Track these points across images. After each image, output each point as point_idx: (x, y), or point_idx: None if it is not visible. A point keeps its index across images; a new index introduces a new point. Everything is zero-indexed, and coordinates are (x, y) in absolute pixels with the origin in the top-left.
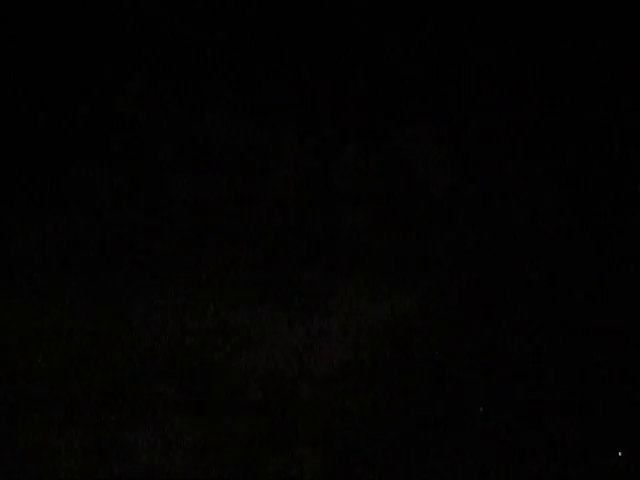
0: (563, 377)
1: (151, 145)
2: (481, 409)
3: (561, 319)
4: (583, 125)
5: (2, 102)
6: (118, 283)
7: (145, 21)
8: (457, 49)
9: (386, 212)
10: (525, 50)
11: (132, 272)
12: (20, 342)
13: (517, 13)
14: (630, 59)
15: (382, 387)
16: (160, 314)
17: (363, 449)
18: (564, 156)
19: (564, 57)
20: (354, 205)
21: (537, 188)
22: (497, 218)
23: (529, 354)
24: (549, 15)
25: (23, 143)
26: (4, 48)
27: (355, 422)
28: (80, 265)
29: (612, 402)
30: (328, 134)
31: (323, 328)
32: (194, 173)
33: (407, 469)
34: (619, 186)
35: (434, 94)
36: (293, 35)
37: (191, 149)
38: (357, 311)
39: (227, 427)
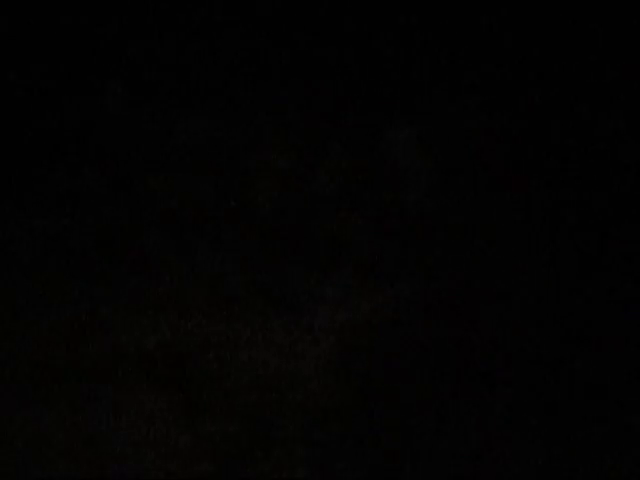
0: (544, 373)
1: (134, 146)
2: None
3: (541, 316)
4: (565, 128)
5: None
6: (102, 284)
7: (126, 22)
8: (441, 52)
9: (370, 211)
10: (508, 53)
11: (117, 273)
12: None
13: (501, 17)
14: (609, 59)
15: (368, 384)
16: (146, 315)
17: (350, 447)
18: (546, 159)
19: (546, 60)
20: (338, 204)
21: (520, 190)
22: (479, 218)
23: (512, 350)
24: (533, 18)
25: (3, 145)
26: None
27: (341, 420)
28: (64, 266)
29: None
30: (313, 135)
31: (309, 326)
32: (178, 174)
33: (394, 467)
34: (601, 189)
35: (418, 96)
36: (278, 36)
37: (175, 150)
38: (342, 308)
39: (213, 427)
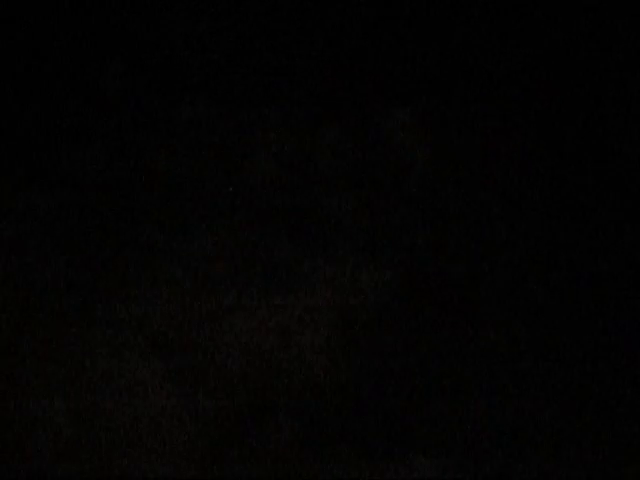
0: (535, 356)
1: (133, 129)
2: None
3: (535, 302)
4: (562, 112)
5: None
6: (101, 264)
7: (126, 7)
8: (439, 33)
9: (367, 193)
10: (506, 36)
11: (115, 254)
12: None
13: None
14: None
15: (362, 363)
16: (142, 294)
17: (342, 424)
18: (544, 143)
19: (543, 46)
20: (336, 186)
21: (517, 172)
22: (476, 201)
23: (507, 333)
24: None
25: (4, 125)
26: None
27: (335, 398)
28: (62, 246)
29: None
30: (310, 116)
31: (304, 307)
32: (177, 157)
33: (384, 445)
34: (598, 170)
35: (416, 77)
36: (274, 18)
37: (174, 133)
38: (338, 290)
39: (206, 403)
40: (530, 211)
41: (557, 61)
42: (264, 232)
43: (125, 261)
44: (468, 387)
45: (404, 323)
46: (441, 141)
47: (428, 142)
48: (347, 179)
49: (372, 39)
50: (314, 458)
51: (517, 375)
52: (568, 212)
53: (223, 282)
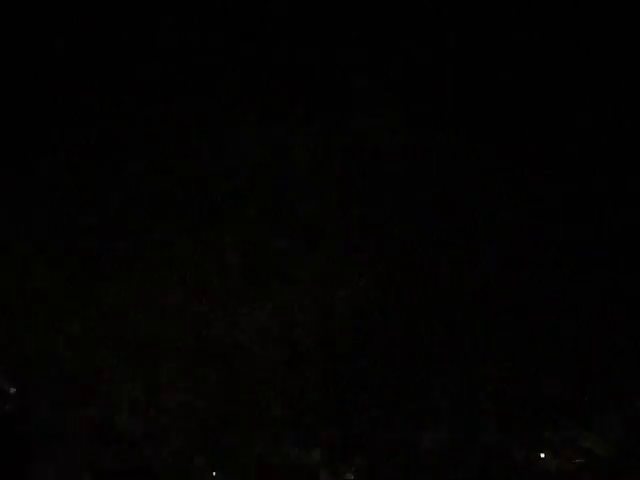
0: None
1: (110, 130)
2: None
3: (509, 306)
4: (536, 103)
5: None
6: (89, 264)
7: (103, 10)
8: (411, 35)
9: (344, 197)
10: (480, 31)
11: (105, 259)
12: None
13: None
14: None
15: (342, 364)
16: (131, 294)
17: (325, 424)
18: (517, 124)
19: (518, 43)
20: (314, 189)
21: (498, 174)
22: (454, 208)
23: (484, 331)
24: None
25: None
26: None
27: (316, 396)
28: (49, 257)
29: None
30: (286, 117)
31: (284, 308)
32: (148, 158)
33: (366, 441)
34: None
35: (395, 79)
36: (248, 21)
37: (147, 133)
38: (318, 291)
39: (180, 399)
40: (511, 214)
41: (532, 51)
42: (243, 236)
43: (112, 268)
44: (446, 390)
45: (381, 322)
46: (418, 144)
47: (405, 145)
48: (322, 181)
49: (346, 41)
50: (301, 444)
51: (494, 376)
52: (551, 209)
53: (205, 283)
